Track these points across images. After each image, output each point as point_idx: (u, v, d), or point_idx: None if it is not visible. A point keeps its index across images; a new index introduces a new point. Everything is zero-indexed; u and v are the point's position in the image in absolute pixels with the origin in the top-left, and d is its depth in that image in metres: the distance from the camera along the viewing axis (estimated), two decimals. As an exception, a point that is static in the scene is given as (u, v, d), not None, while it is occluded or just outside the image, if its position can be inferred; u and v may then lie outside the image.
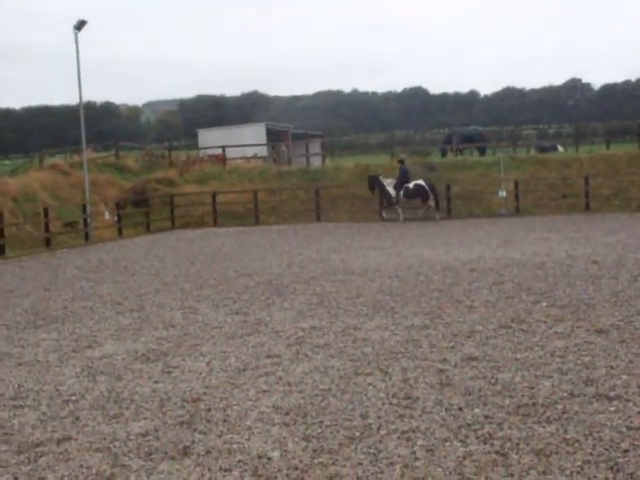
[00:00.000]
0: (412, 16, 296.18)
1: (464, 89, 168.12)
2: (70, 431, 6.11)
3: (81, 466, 5.36)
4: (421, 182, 29.93)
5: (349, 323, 9.94)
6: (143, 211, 32.79)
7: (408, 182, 29.79)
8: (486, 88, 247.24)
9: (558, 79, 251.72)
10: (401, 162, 31.56)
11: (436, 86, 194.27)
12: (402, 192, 29.66)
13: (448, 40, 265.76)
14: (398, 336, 9.03)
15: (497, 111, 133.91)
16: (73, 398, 7.05)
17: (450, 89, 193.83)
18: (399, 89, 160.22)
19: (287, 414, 6.24)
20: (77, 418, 6.44)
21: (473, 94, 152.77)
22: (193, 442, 5.71)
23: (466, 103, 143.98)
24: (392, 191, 29.97)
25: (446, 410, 6.18)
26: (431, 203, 29.79)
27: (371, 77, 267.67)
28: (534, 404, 6.24)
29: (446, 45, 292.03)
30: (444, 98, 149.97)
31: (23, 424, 6.37)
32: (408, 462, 5.12)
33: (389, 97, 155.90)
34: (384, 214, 30.53)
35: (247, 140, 43.33)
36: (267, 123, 52.40)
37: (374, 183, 30.68)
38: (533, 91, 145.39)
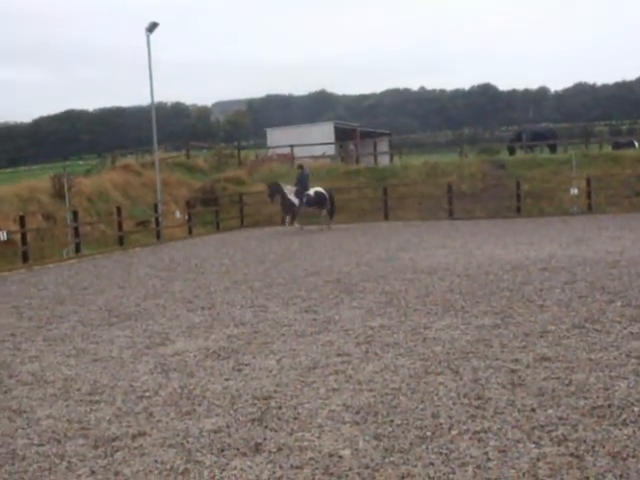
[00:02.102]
0: (480, 11, 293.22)
1: (534, 85, 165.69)
2: (144, 426, 6.22)
3: (155, 461, 5.45)
4: (320, 189, 29.33)
5: (419, 322, 9.89)
6: (212, 210, 33.17)
7: (307, 189, 29.00)
8: (556, 84, 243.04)
9: (631, 74, 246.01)
10: (300, 167, 30.66)
11: (505, 83, 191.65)
12: (304, 199, 28.80)
13: (518, 35, 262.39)
14: (468, 335, 8.95)
15: (568, 107, 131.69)
16: (147, 394, 7.17)
17: (519, 85, 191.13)
18: (467, 86, 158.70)
19: (357, 413, 6.24)
20: (151, 414, 6.55)
21: (543, 90, 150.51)
22: (264, 439, 5.75)
23: (536, 100, 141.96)
24: (295, 199, 28.92)
25: (518, 411, 6.10)
26: (325, 212, 29.31)
27: (439, 74, 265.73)
28: (609, 406, 6.12)
29: (516, 40, 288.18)
30: (513, 95, 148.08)
31: (99, 419, 6.50)
32: (480, 463, 5.07)
33: (457, 94, 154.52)
34: (287, 222, 29.66)
35: (315, 139, 43.45)
36: (335, 122, 52.49)
37: (275, 190, 29.23)
38: (605, 87, 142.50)
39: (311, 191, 28.97)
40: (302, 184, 29.00)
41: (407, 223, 29.62)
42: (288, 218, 29.41)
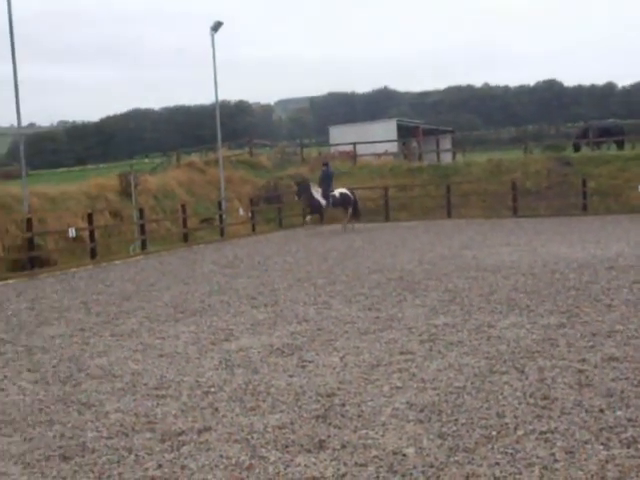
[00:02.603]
0: (543, 5, 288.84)
1: (600, 81, 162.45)
2: (210, 422, 6.29)
3: (221, 456, 5.50)
4: (345, 190, 28.87)
5: (483, 320, 9.80)
6: (276, 207, 33.34)
7: (331, 188, 28.42)
8: (624, 79, 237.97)
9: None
10: (325, 165, 29.94)
11: (571, 78, 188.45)
12: (330, 200, 28.25)
13: (584, 31, 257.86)
14: (534, 334, 8.84)
15: (636, 103, 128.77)
16: (212, 389, 7.25)
17: (586, 81, 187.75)
18: (532, 82, 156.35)
19: (421, 411, 6.22)
20: (216, 409, 6.62)
21: (610, 86, 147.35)
22: (328, 436, 5.77)
23: (602, 95, 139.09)
24: (322, 200, 28.23)
25: (586, 411, 6.00)
26: (350, 212, 28.73)
27: (503, 71, 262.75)
28: (680, 408, 5.98)
29: (582, 36, 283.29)
30: (579, 90, 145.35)
31: (166, 413, 6.59)
32: (547, 464, 5.01)
33: (522, 91, 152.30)
34: (308, 220, 29.19)
35: (378, 136, 43.35)
36: (398, 119, 52.30)
37: (302, 190, 28.43)
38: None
39: (336, 192, 28.45)
40: (326, 183, 28.36)
41: (470, 221, 29.37)
42: (310, 218, 28.91)
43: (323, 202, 28.08)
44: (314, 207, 28.29)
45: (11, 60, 21.33)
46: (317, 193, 28.03)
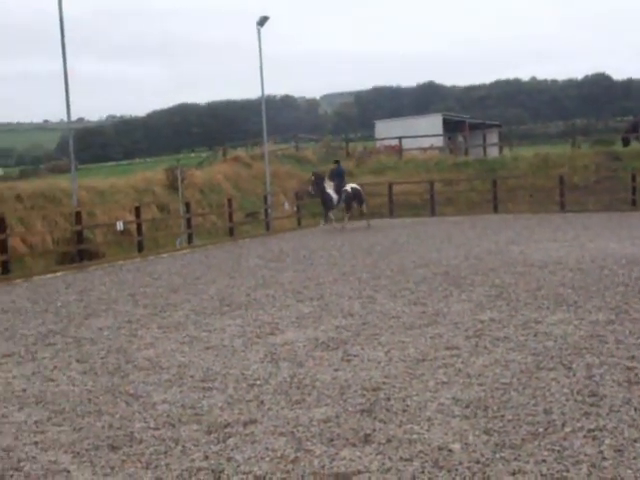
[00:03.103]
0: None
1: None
2: (256, 414, 6.33)
3: (267, 448, 5.54)
4: (356, 185, 28.35)
5: (530, 316, 9.71)
6: (321, 202, 33.31)
7: (344, 185, 27.72)
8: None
9: None
10: (337, 162, 29.35)
11: (620, 72, 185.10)
12: (343, 196, 27.54)
13: (632, 23, 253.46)
14: (582, 331, 8.73)
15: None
16: (258, 382, 7.29)
17: (635, 75, 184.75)
18: (580, 76, 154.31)
19: (467, 407, 6.19)
20: (262, 402, 6.66)
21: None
22: (374, 430, 5.77)
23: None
24: (334, 194, 27.42)
25: (635, 409, 5.92)
26: (364, 208, 28.47)
27: (550, 64, 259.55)
28: None
29: (630, 28, 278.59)
30: (629, 84, 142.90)
31: (212, 405, 6.65)
32: (595, 462, 4.95)
33: (570, 84, 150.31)
34: (329, 219, 28.05)
35: (424, 131, 43.16)
36: (444, 113, 52.02)
37: (319, 183, 27.46)
38: None
39: (348, 187, 27.83)
40: (338, 179, 27.71)
41: (517, 216, 29.10)
42: (331, 214, 27.95)
43: (335, 197, 27.37)
44: (326, 202, 27.53)
45: (61, 56, 21.64)
46: (329, 188, 27.36)
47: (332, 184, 27.32)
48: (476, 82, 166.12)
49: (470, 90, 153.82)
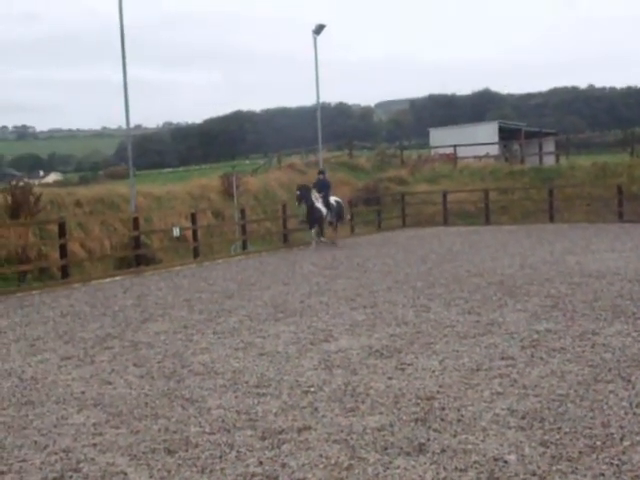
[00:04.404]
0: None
1: None
2: (310, 421, 6.35)
3: (320, 455, 5.55)
4: (339, 199, 26.11)
5: (587, 327, 9.58)
6: (375, 209, 33.34)
7: (329, 198, 25.06)
8: None
9: None
10: (322, 173, 26.47)
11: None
12: (333, 210, 24.99)
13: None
14: (641, 343, 8.59)
15: None
16: (312, 389, 7.32)
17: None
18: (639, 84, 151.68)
19: (523, 418, 6.13)
20: (316, 409, 6.68)
21: None
22: (428, 440, 5.75)
23: None
24: (323, 207, 24.60)
25: (696, 424, 5.80)
26: (338, 225, 25.92)
27: (609, 72, 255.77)
28: None
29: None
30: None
31: (266, 411, 6.69)
32: (654, 476, 4.86)
33: (629, 92, 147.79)
34: (314, 235, 24.83)
35: (479, 139, 42.87)
36: (500, 121, 51.60)
37: (303, 195, 24.32)
38: None
39: (332, 200, 25.33)
40: (325, 192, 25.01)
41: (573, 225, 28.70)
42: (314, 231, 24.77)
43: (324, 211, 24.70)
44: (315, 217, 24.51)
45: (121, 64, 22.02)
46: (317, 201, 24.59)
47: (319, 197, 24.71)
48: (532, 90, 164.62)
49: (526, 98, 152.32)
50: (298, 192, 24.43)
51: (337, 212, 25.33)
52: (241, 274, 17.76)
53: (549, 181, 33.82)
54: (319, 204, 24.49)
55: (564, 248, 19.95)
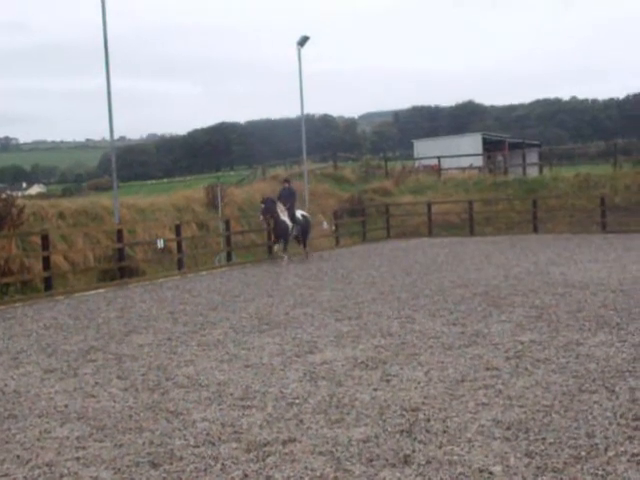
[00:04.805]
0: (634, 19, 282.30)
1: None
2: (295, 433, 6.33)
3: (306, 468, 5.53)
4: (306, 213, 25.11)
5: (571, 338, 9.61)
6: (359, 221, 33.39)
7: (294, 210, 23.95)
8: None
9: None
10: (287, 182, 25.26)
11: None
12: (298, 224, 23.91)
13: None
14: (624, 353, 8.62)
15: None
16: (297, 401, 7.30)
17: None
18: (621, 95, 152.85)
19: (508, 429, 6.13)
20: (301, 421, 6.66)
21: None
22: (413, 451, 5.74)
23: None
24: (288, 221, 23.51)
25: (680, 434, 5.82)
26: (306, 243, 24.91)
27: (591, 84, 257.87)
28: None
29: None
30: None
31: (251, 424, 6.66)
32: (639, 486, 4.87)
33: (611, 104, 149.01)
34: (277, 249, 24.04)
35: (463, 150, 43.13)
36: (483, 133, 51.92)
37: (269, 208, 23.19)
38: None
39: (298, 214, 24.23)
40: (289, 203, 23.81)
41: (557, 236, 28.84)
42: (278, 246, 23.85)
43: (290, 225, 23.57)
44: (280, 230, 23.44)
45: (105, 75, 21.97)
46: (283, 214, 23.47)
47: (285, 209, 23.56)
48: (515, 101, 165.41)
49: (509, 110, 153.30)
50: (263, 205, 23.36)
51: (303, 227, 24.26)
52: (225, 286, 17.72)
53: (533, 192, 34.01)
54: (284, 217, 23.46)
55: (548, 259, 20.03)
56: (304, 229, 24.41)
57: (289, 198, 23.90)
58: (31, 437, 6.63)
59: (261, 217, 23.77)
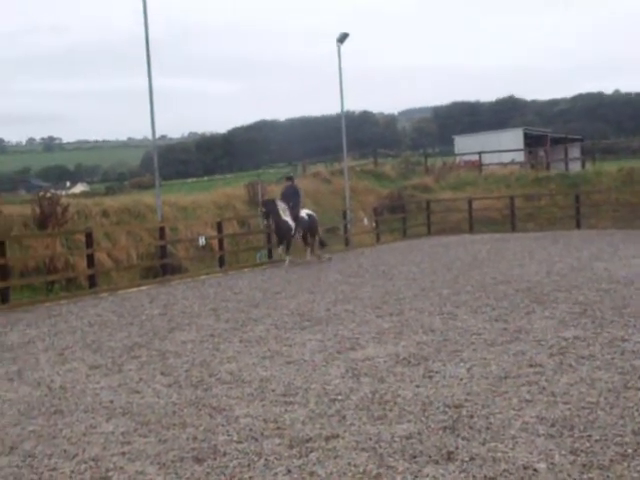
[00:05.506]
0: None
1: None
2: (337, 429, 6.34)
3: (349, 464, 5.54)
4: (312, 212, 23.85)
5: (616, 334, 9.48)
6: (400, 217, 33.30)
7: (298, 209, 22.85)
8: None
9: None
10: (290, 179, 24.10)
11: None
12: (301, 223, 22.81)
13: None
14: (671, 350, 8.50)
15: None
16: (339, 397, 7.30)
17: None
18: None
19: (552, 425, 6.08)
20: (343, 417, 6.66)
21: None
22: (457, 448, 5.72)
23: None
24: (291, 221, 22.43)
25: None
26: (315, 243, 23.71)
27: (635, 77, 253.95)
28: None
29: None
30: None
31: (293, 420, 6.68)
32: (687, 484, 4.81)
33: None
34: (281, 252, 22.94)
35: (504, 146, 42.73)
36: (525, 128, 51.43)
37: (269, 210, 22.17)
38: None
39: (303, 213, 23.10)
40: (293, 202, 22.69)
41: (601, 232, 28.48)
42: (282, 248, 22.74)
43: (292, 225, 22.46)
44: (282, 232, 22.33)
45: (147, 74, 22.14)
46: (285, 214, 22.35)
47: (286, 208, 22.44)
48: (557, 96, 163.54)
49: (551, 104, 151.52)
50: (263, 209, 22.40)
51: (308, 226, 23.12)
52: (267, 283, 17.79)
53: (575, 187, 33.61)
54: (286, 217, 22.34)
55: (591, 254, 19.80)
56: (310, 229, 23.30)
57: (293, 197, 22.82)
58: (77, 432, 6.72)
59: (265, 222, 22.96)
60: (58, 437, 6.62)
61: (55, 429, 6.86)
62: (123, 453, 6.08)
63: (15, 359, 10.25)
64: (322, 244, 24.00)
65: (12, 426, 7.04)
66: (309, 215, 23.39)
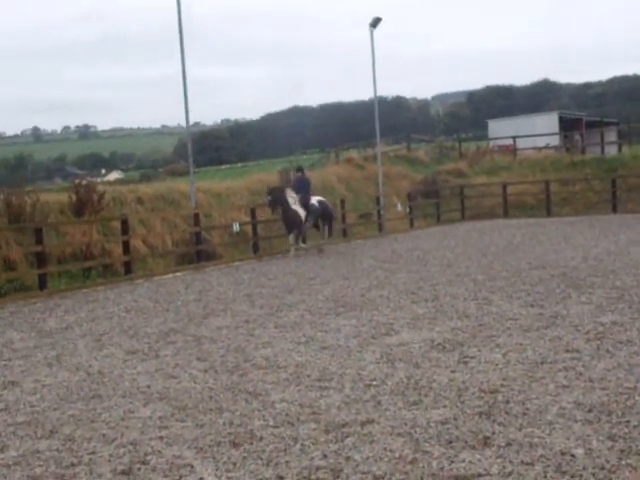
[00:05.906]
0: None
1: None
2: (373, 414, 6.35)
3: (385, 449, 5.54)
4: (322, 198, 23.28)
5: (654, 320, 9.39)
6: (433, 202, 33.18)
7: (309, 198, 22.31)
8: None
9: None
10: (300, 170, 23.74)
11: None
12: (313, 212, 22.25)
13: None
14: None
15: None
16: (374, 383, 7.31)
17: None
18: None
19: (590, 411, 6.03)
20: (379, 402, 6.67)
21: None
22: (493, 433, 5.70)
23: None
24: (301, 210, 21.91)
25: None
26: (331, 230, 23.27)
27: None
28: None
29: None
30: None
31: (329, 405, 6.71)
32: None
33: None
34: (292, 241, 22.29)
35: (539, 130, 42.29)
36: (560, 112, 50.80)
37: (277, 199, 21.68)
38: None
39: (314, 200, 22.55)
40: (304, 192, 22.22)
41: (638, 216, 28.13)
42: (292, 237, 22.21)
43: (302, 213, 21.93)
44: (291, 221, 21.85)
45: (180, 62, 22.21)
46: (294, 202, 21.81)
47: (296, 197, 21.93)
48: (592, 79, 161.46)
49: (586, 87, 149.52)
50: (270, 197, 21.82)
51: (321, 213, 22.60)
52: (300, 268, 17.84)
53: (612, 171, 33.24)
54: (296, 206, 21.82)
55: (628, 239, 19.58)
56: (323, 215, 22.72)
57: (302, 188, 22.28)
58: (116, 417, 6.81)
59: (270, 209, 22.34)
60: (97, 421, 6.71)
61: (94, 413, 6.95)
62: (161, 437, 6.15)
63: (54, 345, 10.39)
64: (330, 233, 23.30)
65: (52, 410, 7.15)
66: (320, 202, 22.83)
